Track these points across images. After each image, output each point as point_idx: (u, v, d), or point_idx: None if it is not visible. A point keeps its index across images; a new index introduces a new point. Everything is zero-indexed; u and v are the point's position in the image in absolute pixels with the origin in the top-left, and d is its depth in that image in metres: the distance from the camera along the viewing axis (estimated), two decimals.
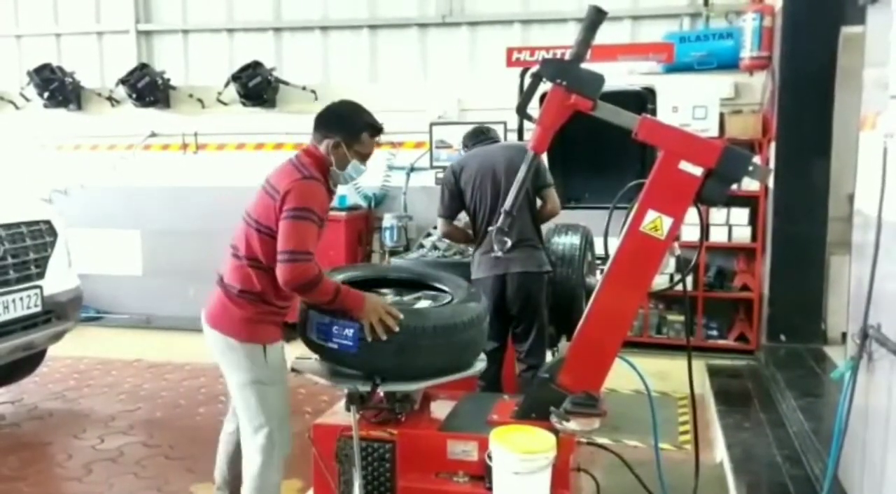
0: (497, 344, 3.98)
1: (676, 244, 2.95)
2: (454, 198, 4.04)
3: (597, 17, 2.77)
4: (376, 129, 2.95)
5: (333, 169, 2.89)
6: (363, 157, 2.94)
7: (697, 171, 2.63)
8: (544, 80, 2.77)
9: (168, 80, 6.95)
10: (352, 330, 2.72)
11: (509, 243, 2.91)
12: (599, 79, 2.75)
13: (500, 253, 2.96)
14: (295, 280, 2.66)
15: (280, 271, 2.68)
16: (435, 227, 5.71)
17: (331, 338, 2.79)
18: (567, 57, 2.80)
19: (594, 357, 2.78)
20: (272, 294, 2.83)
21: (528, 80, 2.87)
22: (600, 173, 4.93)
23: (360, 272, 3.26)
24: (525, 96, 2.85)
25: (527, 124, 3.93)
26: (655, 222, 2.66)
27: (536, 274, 3.97)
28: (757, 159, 3.85)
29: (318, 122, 2.92)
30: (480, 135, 4.25)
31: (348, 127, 2.89)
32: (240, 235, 2.87)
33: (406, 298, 3.10)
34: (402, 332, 2.70)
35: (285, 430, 2.96)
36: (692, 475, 3.06)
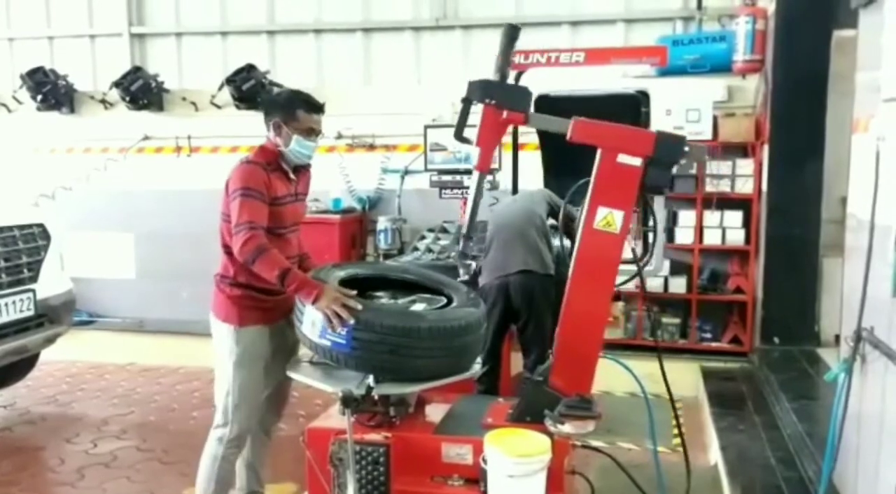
0: (496, 347, 4.00)
1: (631, 236, 3.02)
2: None
3: (512, 34, 2.93)
4: (311, 105, 3.14)
5: (282, 149, 3.11)
6: (304, 133, 3.10)
7: (637, 162, 2.71)
8: (474, 102, 2.88)
9: (161, 83, 6.93)
10: (345, 329, 2.72)
11: (473, 265, 2.99)
12: (526, 92, 2.90)
13: (465, 276, 3.08)
14: (242, 249, 2.88)
15: (233, 245, 2.92)
16: (430, 230, 5.75)
17: (324, 334, 2.78)
18: (492, 76, 2.90)
19: (577, 357, 2.81)
20: (245, 276, 3.05)
21: (459, 105, 2.96)
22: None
23: (361, 269, 3.26)
24: (459, 122, 2.95)
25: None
26: (607, 218, 2.74)
27: (538, 274, 3.99)
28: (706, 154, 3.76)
29: (263, 112, 3.19)
30: None
31: (282, 106, 3.13)
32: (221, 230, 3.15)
33: (401, 301, 3.09)
34: (396, 333, 2.71)
35: (246, 414, 3.16)
36: (687, 477, 3.06)
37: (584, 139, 2.83)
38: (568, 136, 2.79)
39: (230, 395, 3.12)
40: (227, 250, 3.08)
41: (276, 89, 6.54)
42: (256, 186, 2.97)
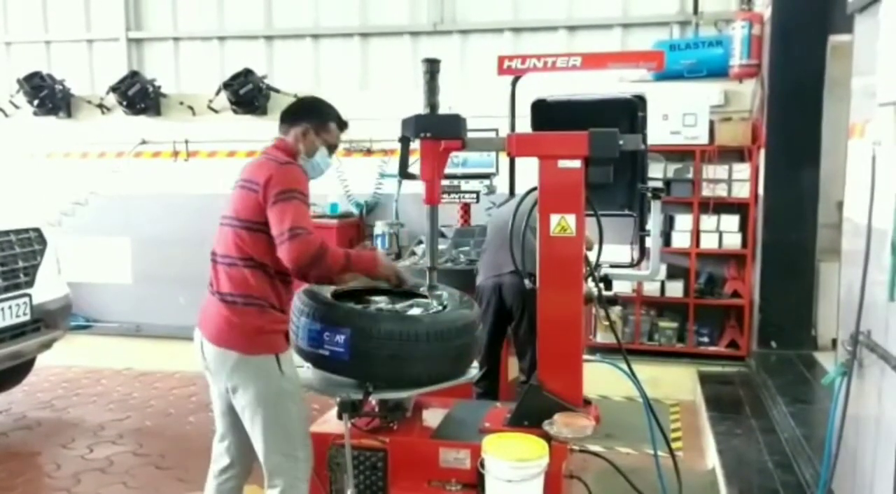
0: (494, 351, 4.00)
1: (590, 237, 3.09)
2: None
3: (433, 68, 3.07)
4: (342, 122, 2.99)
5: (303, 156, 2.87)
6: (330, 147, 2.96)
7: (576, 164, 2.78)
8: (412, 139, 2.99)
9: (159, 87, 6.94)
10: (343, 337, 2.72)
11: (445, 295, 3.04)
12: (458, 118, 2.97)
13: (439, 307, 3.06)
14: (301, 255, 2.57)
15: (284, 252, 2.58)
16: None
17: (322, 345, 2.78)
18: (423, 110, 3.03)
19: (561, 362, 2.83)
20: (273, 296, 2.71)
21: (400, 144, 3.08)
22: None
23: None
24: (402, 160, 3.05)
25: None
26: (561, 223, 2.80)
27: (533, 275, 4.00)
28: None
29: (286, 115, 2.94)
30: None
31: (317, 115, 2.92)
32: (225, 240, 2.74)
33: (398, 306, 3.09)
34: (395, 339, 2.70)
35: (308, 443, 2.78)
36: (686, 481, 3.07)
37: (521, 153, 2.94)
38: (506, 152, 2.92)
39: (293, 436, 2.71)
40: (249, 263, 2.68)
41: (274, 92, 6.56)
42: (305, 190, 2.70)
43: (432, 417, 3.09)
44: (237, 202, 2.75)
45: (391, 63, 6.94)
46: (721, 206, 5.76)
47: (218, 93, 6.52)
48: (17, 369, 5.06)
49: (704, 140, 5.69)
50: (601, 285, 3.30)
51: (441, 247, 5.36)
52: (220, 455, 2.91)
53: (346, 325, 2.72)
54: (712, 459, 4.16)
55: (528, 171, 2.98)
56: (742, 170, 5.72)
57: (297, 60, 7.13)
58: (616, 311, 5.90)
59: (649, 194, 3.87)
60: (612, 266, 3.97)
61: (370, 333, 2.70)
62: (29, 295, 4.75)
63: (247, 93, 6.45)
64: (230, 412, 2.81)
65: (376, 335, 2.70)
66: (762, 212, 5.60)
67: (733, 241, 5.80)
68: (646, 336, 5.99)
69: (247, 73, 6.49)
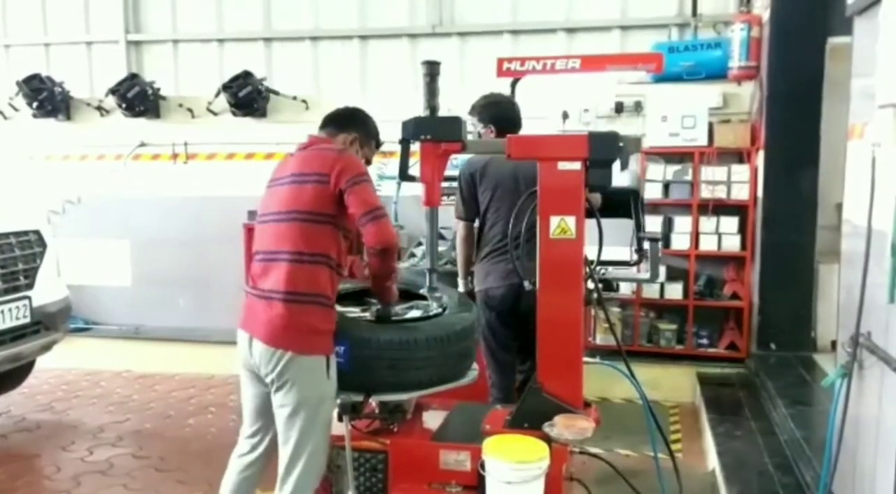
0: (509, 354, 3.98)
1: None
2: (474, 200, 3.82)
3: (433, 70, 3.11)
4: (380, 142, 3.06)
5: None
6: (367, 162, 2.99)
7: (576, 166, 2.78)
8: (412, 141, 3.02)
9: (158, 89, 6.93)
10: (342, 348, 2.71)
11: (445, 298, 3.04)
12: (458, 120, 3.00)
13: (440, 309, 3.01)
14: (387, 237, 2.63)
15: (373, 230, 2.61)
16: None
17: None
18: (423, 112, 3.07)
19: (561, 364, 2.84)
20: (331, 291, 2.70)
21: (400, 146, 3.10)
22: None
23: (350, 284, 3.25)
24: (402, 161, 3.08)
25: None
26: (561, 225, 2.80)
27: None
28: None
29: (337, 119, 2.98)
30: (503, 119, 3.78)
31: (367, 128, 2.99)
32: (291, 236, 2.66)
33: (398, 308, 3.09)
34: (395, 347, 2.70)
35: (326, 453, 2.76)
36: (686, 483, 3.07)
37: (521, 155, 2.95)
38: (506, 155, 2.89)
39: (317, 442, 2.68)
40: (321, 260, 2.66)
41: (273, 95, 6.57)
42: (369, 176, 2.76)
43: (433, 419, 3.10)
44: (297, 196, 2.69)
45: (390, 65, 6.95)
46: (720, 208, 5.76)
47: (217, 95, 6.52)
48: (16, 371, 5.05)
49: (703, 142, 5.70)
50: (600, 286, 3.30)
51: (441, 248, 5.36)
52: (248, 451, 2.88)
53: (345, 337, 2.71)
54: (712, 461, 4.16)
55: None
56: (741, 171, 5.73)
57: (297, 62, 7.14)
58: (615, 313, 5.91)
59: (646, 244, 3.82)
60: (611, 264, 3.95)
61: (370, 343, 2.70)
62: (29, 298, 4.75)
63: (246, 96, 6.44)
64: (266, 411, 2.78)
65: (375, 345, 2.70)
66: (761, 214, 5.60)
67: (732, 243, 5.80)
68: (645, 338, 5.99)
69: (246, 76, 6.49)
